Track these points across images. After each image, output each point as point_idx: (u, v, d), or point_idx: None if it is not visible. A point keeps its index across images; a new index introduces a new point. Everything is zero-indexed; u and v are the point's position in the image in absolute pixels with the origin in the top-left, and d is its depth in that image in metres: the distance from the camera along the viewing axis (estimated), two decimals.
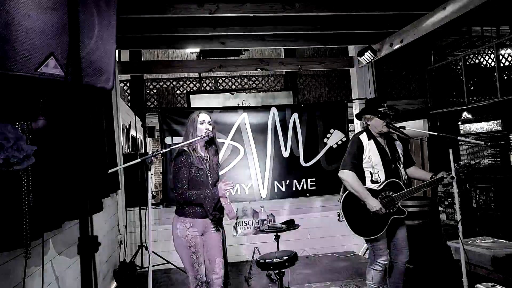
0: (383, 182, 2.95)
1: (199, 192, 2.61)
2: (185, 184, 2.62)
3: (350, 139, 4.13)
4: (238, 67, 5.77)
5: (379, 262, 2.96)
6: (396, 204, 2.91)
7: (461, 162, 2.89)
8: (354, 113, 5.65)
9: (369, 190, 2.94)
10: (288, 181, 5.22)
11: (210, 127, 2.73)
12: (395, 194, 2.91)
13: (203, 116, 2.75)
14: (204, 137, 2.67)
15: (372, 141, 3.02)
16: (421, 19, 4.33)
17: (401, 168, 3.03)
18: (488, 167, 4.95)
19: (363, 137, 3.05)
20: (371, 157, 2.98)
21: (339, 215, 3.06)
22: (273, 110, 5.26)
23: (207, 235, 2.72)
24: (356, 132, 4.10)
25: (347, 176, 2.95)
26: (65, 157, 2.37)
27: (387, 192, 2.93)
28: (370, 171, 2.98)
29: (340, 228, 5.42)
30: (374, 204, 2.85)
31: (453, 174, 2.79)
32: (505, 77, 6.74)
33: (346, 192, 3.03)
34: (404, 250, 3.04)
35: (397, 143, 3.14)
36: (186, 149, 2.69)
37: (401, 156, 3.08)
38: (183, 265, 2.67)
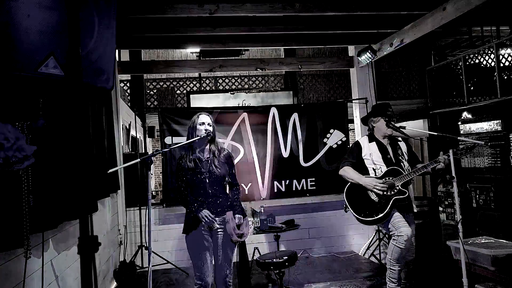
0: (384, 171, 3.11)
1: (191, 200, 2.74)
2: (183, 187, 2.75)
3: (350, 138, 4.18)
4: (238, 67, 5.78)
5: (399, 235, 2.94)
6: (396, 187, 3.03)
7: (460, 146, 2.97)
8: (354, 113, 5.70)
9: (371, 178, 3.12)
10: (288, 181, 5.22)
11: (211, 128, 2.76)
12: (394, 178, 3.05)
13: (203, 118, 2.78)
14: (203, 136, 2.69)
15: (374, 143, 3.21)
16: (421, 19, 4.33)
17: (405, 162, 3.16)
18: (488, 167, 4.94)
19: (363, 140, 3.28)
20: (372, 154, 3.17)
21: (345, 207, 3.24)
22: (273, 110, 5.26)
23: (214, 234, 2.75)
24: (356, 133, 4.15)
25: (344, 170, 3.22)
26: (65, 157, 2.36)
27: (387, 178, 3.08)
28: (373, 168, 3.16)
29: (340, 228, 5.43)
30: (369, 181, 3.05)
31: (453, 174, 2.79)
32: (505, 77, 6.74)
33: (348, 184, 3.24)
34: (411, 247, 3.10)
35: (401, 143, 3.28)
36: (184, 152, 2.79)
37: (404, 154, 3.21)
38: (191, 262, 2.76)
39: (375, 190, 3.03)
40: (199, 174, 2.70)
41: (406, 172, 3.07)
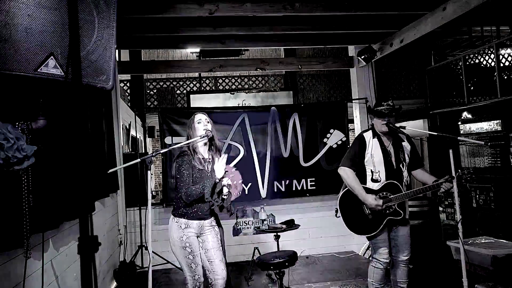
0: (382, 183, 2.96)
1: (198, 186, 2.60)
2: (187, 184, 2.62)
3: (350, 138, 4.10)
4: (238, 67, 5.78)
5: (379, 260, 2.98)
6: (392, 206, 2.92)
7: (465, 170, 2.83)
8: (354, 113, 5.70)
9: (368, 189, 2.97)
10: (288, 181, 5.22)
11: (209, 126, 2.74)
12: (392, 196, 2.91)
13: (199, 116, 2.77)
14: (203, 136, 2.67)
15: (376, 139, 3.02)
16: (421, 19, 4.33)
17: (404, 170, 3.01)
18: (488, 167, 4.95)
19: (368, 135, 3.07)
20: (373, 155, 2.99)
21: (336, 211, 3.13)
22: (273, 110, 5.26)
23: (204, 236, 2.75)
24: (356, 133, 4.10)
25: (345, 173, 3.01)
26: (65, 157, 2.37)
27: (384, 193, 2.94)
28: (371, 170, 3.00)
29: (340, 228, 5.37)
30: (371, 201, 2.88)
31: (453, 174, 2.78)
32: (505, 77, 6.74)
33: (344, 190, 3.08)
34: (404, 248, 3.02)
35: (405, 144, 3.08)
36: (187, 150, 2.70)
37: (406, 157, 3.04)
38: (180, 266, 2.70)
39: (374, 209, 2.91)
40: (205, 174, 2.69)
41: (405, 184, 2.96)
